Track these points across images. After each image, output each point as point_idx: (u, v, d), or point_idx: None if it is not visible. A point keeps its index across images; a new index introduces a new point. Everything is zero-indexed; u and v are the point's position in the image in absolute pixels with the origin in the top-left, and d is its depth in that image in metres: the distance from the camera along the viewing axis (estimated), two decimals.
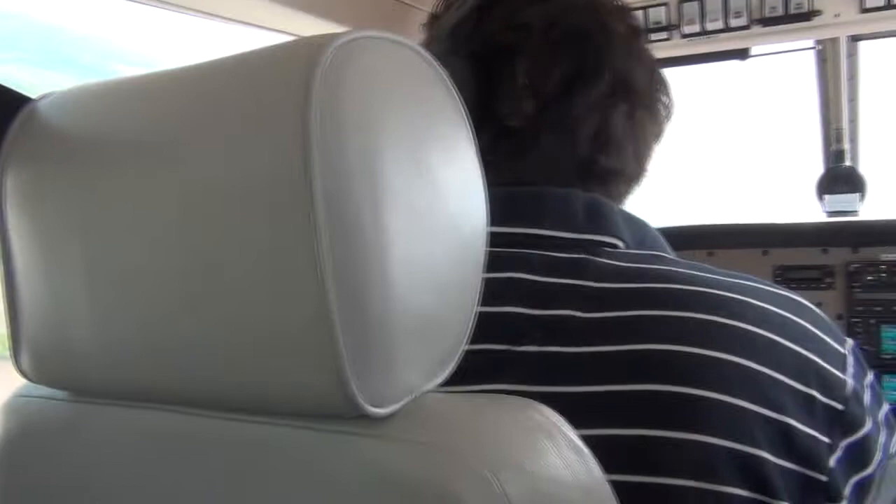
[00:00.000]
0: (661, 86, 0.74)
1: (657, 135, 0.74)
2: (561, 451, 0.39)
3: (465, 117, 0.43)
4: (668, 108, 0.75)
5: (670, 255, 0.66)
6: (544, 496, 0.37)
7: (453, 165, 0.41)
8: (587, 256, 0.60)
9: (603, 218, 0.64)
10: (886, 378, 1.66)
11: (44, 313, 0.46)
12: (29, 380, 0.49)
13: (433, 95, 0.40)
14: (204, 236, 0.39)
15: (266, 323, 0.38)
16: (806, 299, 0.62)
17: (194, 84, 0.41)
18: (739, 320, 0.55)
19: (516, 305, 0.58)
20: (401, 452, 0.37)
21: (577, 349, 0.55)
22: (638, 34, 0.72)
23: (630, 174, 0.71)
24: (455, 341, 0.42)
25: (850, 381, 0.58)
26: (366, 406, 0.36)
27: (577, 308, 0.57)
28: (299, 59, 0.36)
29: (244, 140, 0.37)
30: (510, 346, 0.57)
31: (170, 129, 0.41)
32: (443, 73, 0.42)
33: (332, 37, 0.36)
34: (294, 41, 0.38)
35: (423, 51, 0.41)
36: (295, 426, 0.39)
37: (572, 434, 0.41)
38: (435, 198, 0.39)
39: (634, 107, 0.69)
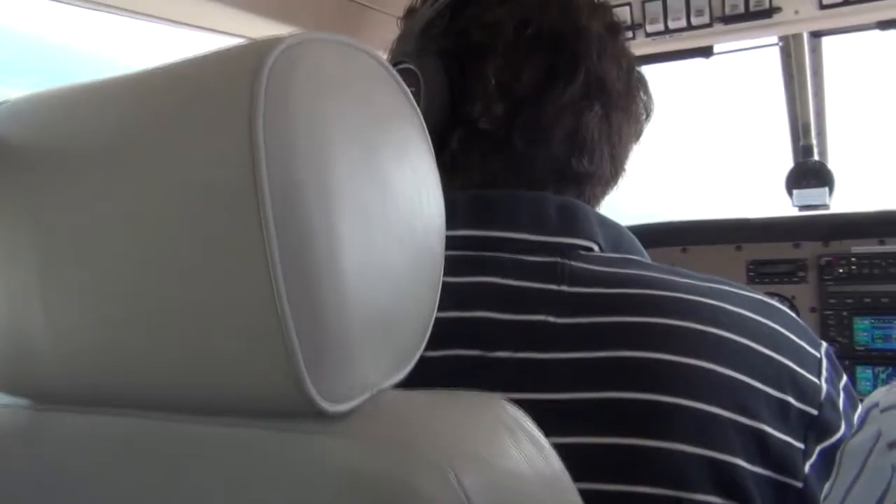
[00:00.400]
0: (640, 85, 0.72)
1: (635, 136, 0.73)
2: (521, 444, 0.40)
3: (419, 118, 0.43)
4: (647, 107, 0.73)
5: (645, 258, 0.65)
6: (502, 489, 0.37)
7: (406, 166, 0.41)
8: (561, 260, 0.59)
9: (577, 221, 0.63)
10: (860, 369, 1.68)
11: (0, 322, 0.46)
12: None
13: (384, 97, 0.41)
14: (155, 241, 0.39)
15: (221, 324, 0.38)
16: (780, 293, 0.62)
17: (144, 90, 0.41)
18: (713, 326, 0.55)
19: (489, 310, 0.58)
20: (358, 449, 0.37)
21: (551, 355, 0.55)
22: (615, 33, 0.70)
23: (605, 177, 0.69)
24: (414, 339, 0.43)
25: (824, 386, 0.57)
26: (322, 403, 0.37)
27: (551, 313, 0.56)
28: (245, 61, 0.36)
29: (192, 145, 0.37)
30: (484, 352, 0.56)
31: (120, 135, 0.41)
32: (395, 75, 0.42)
33: (279, 39, 0.36)
34: (241, 45, 0.38)
35: (374, 52, 0.41)
36: (253, 426, 0.39)
37: (533, 428, 0.41)
38: (387, 198, 0.39)
39: (610, 108, 0.67)
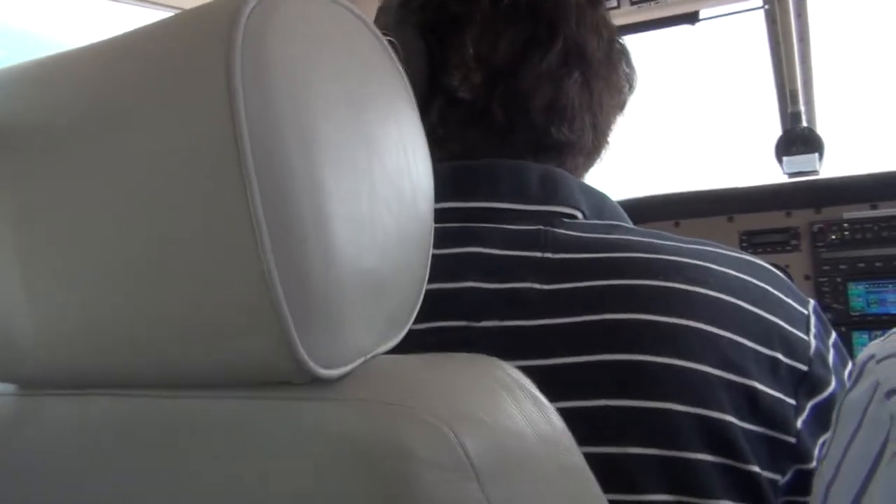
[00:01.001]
0: (621, 56, 0.72)
1: (619, 106, 0.72)
2: (520, 403, 0.39)
3: (402, 76, 0.42)
4: (630, 79, 0.73)
5: (629, 224, 0.65)
6: (504, 448, 0.36)
7: (391, 124, 0.40)
8: (544, 228, 0.59)
9: (559, 189, 0.62)
10: (856, 335, 1.68)
11: None
12: None
13: (365, 51, 0.39)
14: (137, 212, 0.38)
15: (208, 294, 0.37)
16: (774, 262, 0.62)
17: (117, 56, 0.40)
18: (700, 286, 0.55)
19: (475, 281, 0.58)
20: (354, 413, 0.36)
21: (539, 322, 0.55)
22: (595, 3, 0.70)
23: (586, 147, 0.69)
24: (407, 302, 0.42)
25: (813, 342, 0.57)
26: (316, 368, 0.36)
27: (537, 280, 0.56)
28: (220, 15, 0.35)
29: (170, 109, 0.36)
30: (470, 322, 0.56)
31: (95, 104, 0.39)
32: (376, 31, 0.41)
33: None
34: (214, 1, 0.37)
35: (351, 5, 0.40)
36: (246, 397, 0.38)
37: (532, 387, 0.40)
38: (372, 155, 0.38)
39: (590, 76, 0.67)
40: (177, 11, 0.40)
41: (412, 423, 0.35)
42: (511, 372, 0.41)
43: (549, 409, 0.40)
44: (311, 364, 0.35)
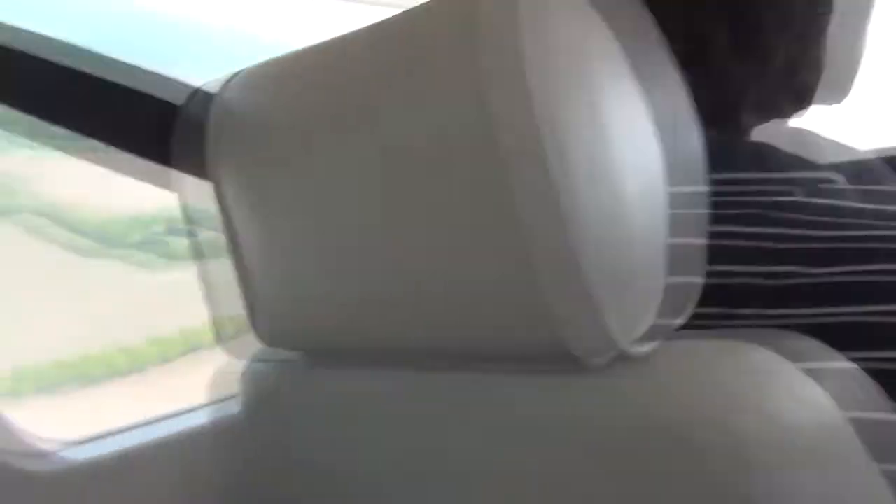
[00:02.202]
0: None
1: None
2: (794, 391, 0.37)
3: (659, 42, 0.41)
4: None
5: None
6: (782, 439, 0.35)
7: (619, 109, 0.39)
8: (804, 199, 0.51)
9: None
10: None
11: (277, 279, 0.48)
12: (265, 344, 0.51)
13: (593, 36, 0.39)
14: (410, 193, 0.39)
15: (507, 268, 0.37)
16: None
17: (374, 44, 0.42)
18: None
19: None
20: (649, 393, 0.36)
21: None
22: None
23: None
24: (696, 278, 0.41)
25: None
26: (624, 345, 0.35)
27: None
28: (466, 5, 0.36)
29: (429, 96, 0.38)
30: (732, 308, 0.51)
31: (361, 92, 0.41)
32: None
33: None
34: None
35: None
36: (547, 372, 0.39)
37: (816, 368, 0.39)
38: (650, 126, 0.37)
39: None
40: (403, 9, 0.42)
41: (695, 413, 0.35)
42: (796, 360, 0.39)
43: (823, 395, 0.38)
44: (620, 340, 0.35)
